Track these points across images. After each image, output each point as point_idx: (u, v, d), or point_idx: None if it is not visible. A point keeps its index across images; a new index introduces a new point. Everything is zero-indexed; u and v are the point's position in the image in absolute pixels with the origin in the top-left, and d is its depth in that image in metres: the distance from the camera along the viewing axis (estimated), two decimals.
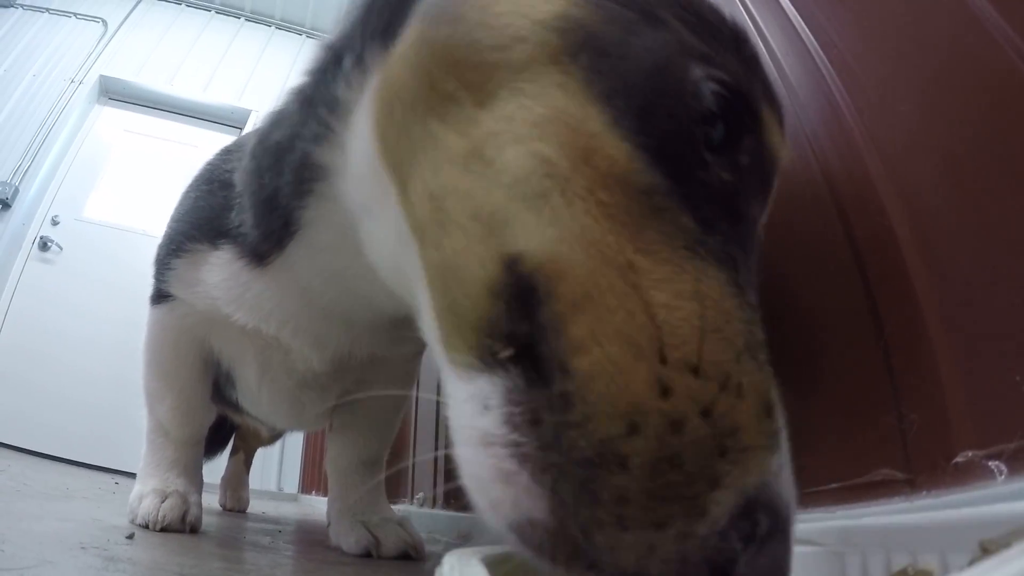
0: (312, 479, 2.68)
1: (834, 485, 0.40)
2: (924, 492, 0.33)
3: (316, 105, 0.51)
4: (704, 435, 0.26)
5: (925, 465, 0.33)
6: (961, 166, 0.36)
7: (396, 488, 1.50)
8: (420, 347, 0.83)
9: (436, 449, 1.24)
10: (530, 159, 0.31)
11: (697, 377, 0.27)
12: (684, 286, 0.29)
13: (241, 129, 3.46)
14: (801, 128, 0.50)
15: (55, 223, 3.24)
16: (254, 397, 0.86)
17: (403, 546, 0.80)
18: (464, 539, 0.94)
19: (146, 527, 0.73)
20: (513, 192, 0.31)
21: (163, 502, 0.76)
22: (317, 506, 2.40)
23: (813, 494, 0.41)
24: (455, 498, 1.09)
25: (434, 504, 1.20)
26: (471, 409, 0.29)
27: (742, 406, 0.27)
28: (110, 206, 3.36)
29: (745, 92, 0.35)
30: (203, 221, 0.70)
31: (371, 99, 0.43)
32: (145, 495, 0.78)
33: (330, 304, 0.64)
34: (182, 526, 0.76)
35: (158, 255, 0.77)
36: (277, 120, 0.57)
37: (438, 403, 1.27)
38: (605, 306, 0.28)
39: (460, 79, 0.36)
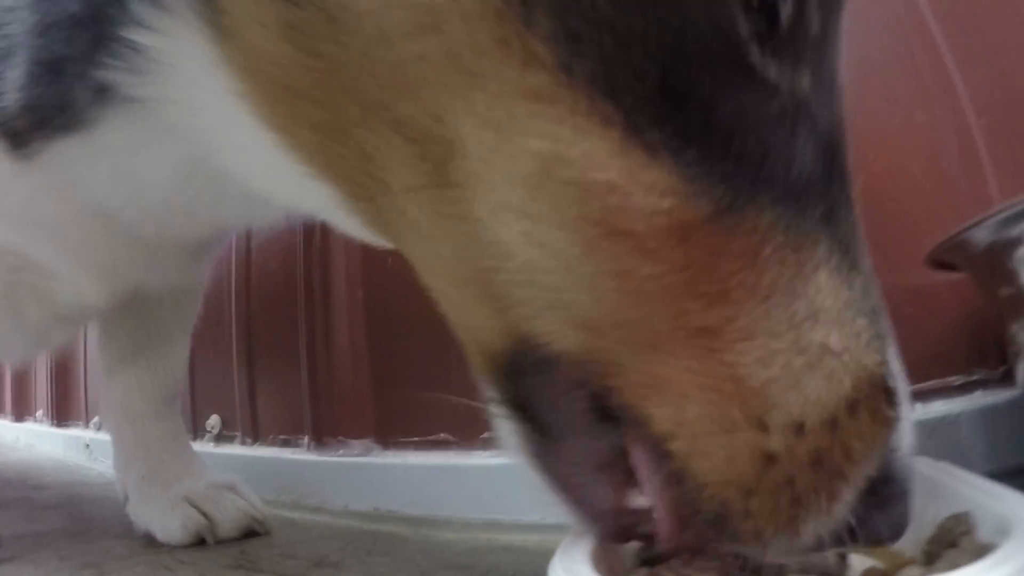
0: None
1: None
2: None
3: None
4: (818, 480, 0.25)
5: None
6: None
7: None
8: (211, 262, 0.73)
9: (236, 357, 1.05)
10: (539, 247, 0.23)
11: (802, 435, 0.24)
12: (776, 322, 0.24)
13: None
14: None
15: None
16: None
17: (246, 521, 0.66)
18: None
19: None
20: (526, 277, 0.24)
21: None
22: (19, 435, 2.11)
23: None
24: (274, 427, 0.95)
25: (241, 436, 1.02)
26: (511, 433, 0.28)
27: (857, 430, 0.25)
28: None
29: None
30: None
31: (220, 57, 0.29)
32: None
33: (137, 225, 0.48)
34: None
35: None
36: None
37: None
38: (683, 393, 0.24)
39: (394, 78, 0.24)
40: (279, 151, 0.30)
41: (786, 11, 0.22)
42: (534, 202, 0.23)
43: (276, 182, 0.36)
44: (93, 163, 0.43)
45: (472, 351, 0.28)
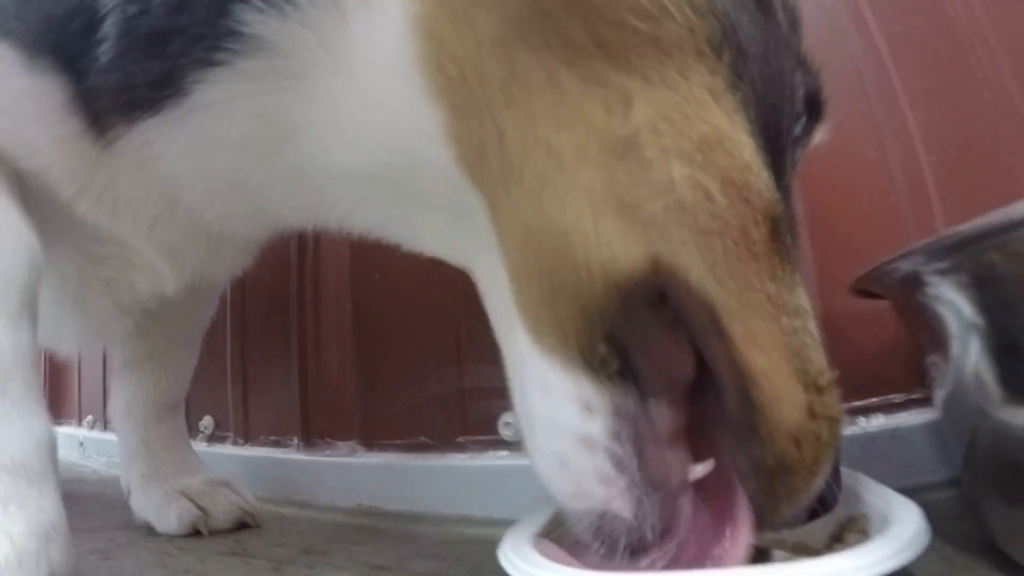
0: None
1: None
2: None
3: None
4: (830, 436, 0.30)
5: None
6: None
7: None
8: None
9: (230, 362, 1.08)
10: (697, 190, 0.29)
11: (823, 394, 0.30)
12: (792, 305, 0.31)
13: None
14: None
15: None
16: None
17: (238, 514, 0.69)
18: None
19: None
20: (676, 214, 0.29)
21: None
22: None
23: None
24: (265, 429, 0.98)
25: (233, 437, 1.06)
26: (570, 408, 0.30)
27: (837, 402, 0.31)
28: None
29: (821, 86, 0.36)
30: (37, 16, 0.42)
31: None
32: None
33: (200, 212, 0.48)
34: None
35: None
36: None
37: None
38: (765, 343, 0.29)
39: (593, 30, 0.30)
40: (420, 84, 0.33)
41: (796, 134, 0.36)
42: (701, 155, 0.29)
43: (385, 128, 0.36)
44: (171, 139, 0.42)
45: (586, 286, 0.30)
